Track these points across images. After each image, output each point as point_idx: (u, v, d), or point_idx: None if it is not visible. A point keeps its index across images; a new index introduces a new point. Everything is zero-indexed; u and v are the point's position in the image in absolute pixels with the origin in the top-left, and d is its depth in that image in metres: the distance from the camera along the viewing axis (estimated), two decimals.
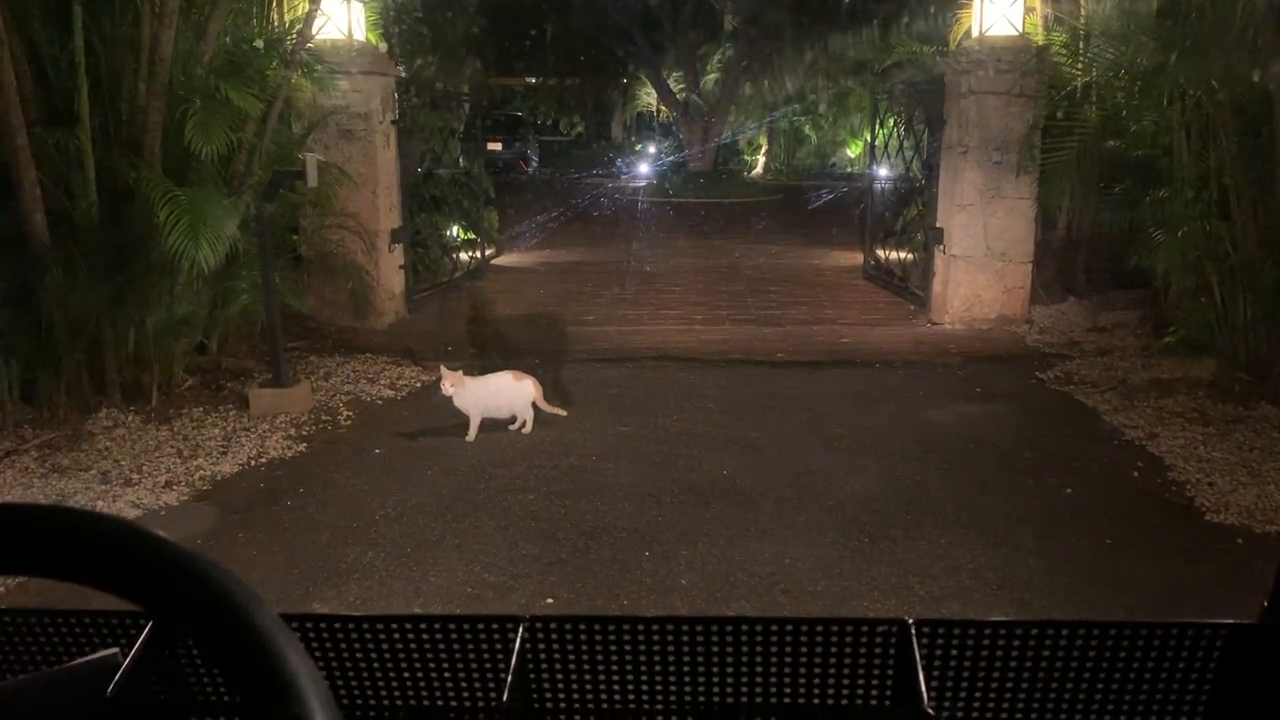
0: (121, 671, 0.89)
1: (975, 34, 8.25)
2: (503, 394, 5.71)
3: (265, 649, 0.51)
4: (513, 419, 5.76)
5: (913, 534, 4.41)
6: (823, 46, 19.81)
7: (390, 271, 8.56)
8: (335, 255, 7.67)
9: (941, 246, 8.53)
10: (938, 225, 8.60)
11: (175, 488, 4.96)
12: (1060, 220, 9.03)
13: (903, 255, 10.13)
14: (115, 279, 5.63)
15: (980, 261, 8.34)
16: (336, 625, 0.94)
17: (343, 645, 0.94)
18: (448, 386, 5.48)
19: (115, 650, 0.90)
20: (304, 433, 5.79)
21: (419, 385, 6.74)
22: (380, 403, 6.44)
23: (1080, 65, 7.89)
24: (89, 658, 0.80)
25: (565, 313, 9.16)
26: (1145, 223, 7.25)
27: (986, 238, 8.29)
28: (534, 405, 5.74)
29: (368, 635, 0.94)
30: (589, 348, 7.82)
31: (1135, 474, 5.16)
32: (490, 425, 5.70)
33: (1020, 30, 8.08)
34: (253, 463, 5.33)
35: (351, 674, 0.95)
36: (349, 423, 6.03)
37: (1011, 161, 8.05)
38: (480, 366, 6.01)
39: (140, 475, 5.07)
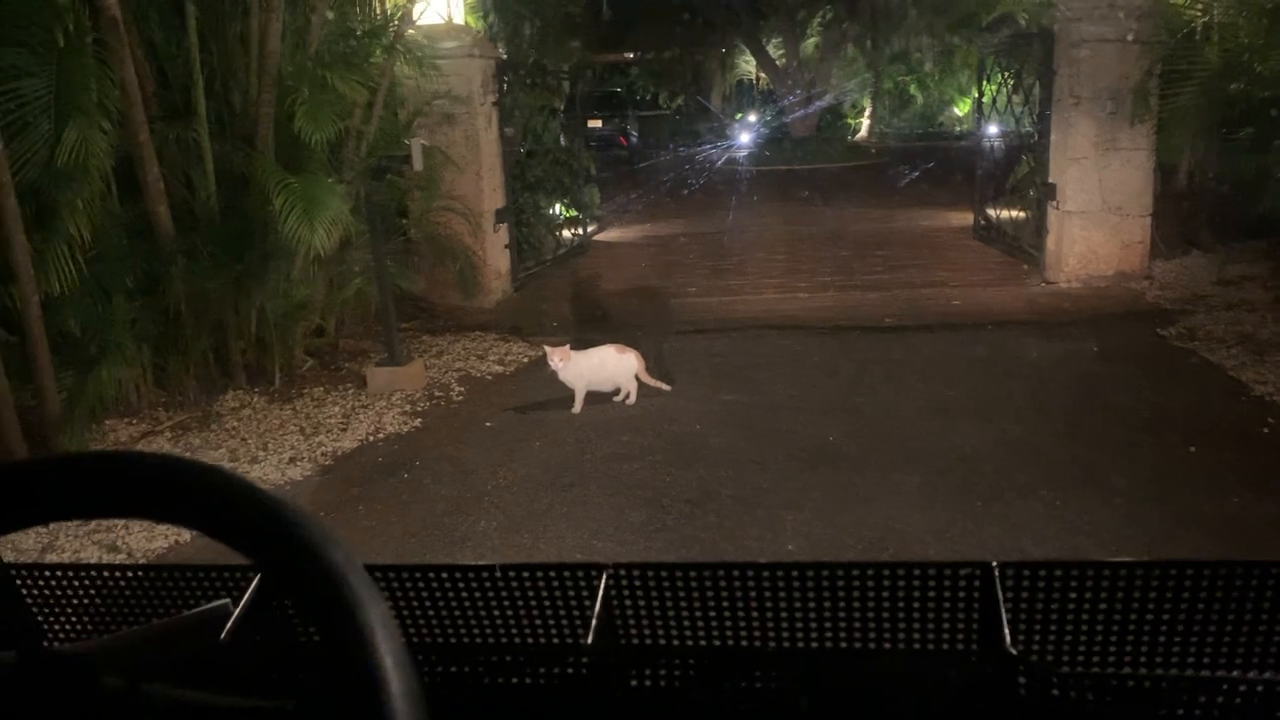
0: (233, 620, 0.96)
1: None
2: (606, 367, 5.78)
3: (341, 598, 0.55)
4: (616, 391, 5.83)
5: (1027, 496, 4.31)
6: (926, 2, 19.20)
7: (496, 251, 8.72)
8: (443, 237, 7.85)
9: (1054, 202, 8.25)
10: (1050, 180, 8.31)
11: (299, 463, 5.18)
12: (1180, 170, 8.63)
13: (1014, 213, 9.83)
14: (236, 266, 5.88)
15: (1096, 216, 8.04)
16: (432, 574, 0.99)
17: (437, 590, 0.99)
18: (556, 361, 5.58)
19: (226, 601, 0.97)
20: (419, 408, 5.97)
21: (526, 360, 6.87)
22: (490, 378, 6.59)
23: (1200, 5, 7.49)
24: (202, 608, 0.86)
25: (667, 285, 9.18)
26: (1274, 168, 6.86)
27: (1102, 191, 7.97)
28: (637, 378, 5.80)
29: (462, 581, 0.99)
30: (692, 318, 7.83)
31: (1265, 430, 4.93)
32: (595, 397, 5.78)
33: None
34: (371, 438, 5.52)
35: (448, 616, 1.00)
36: (461, 398, 6.19)
37: (1126, 111, 7.71)
38: (585, 341, 6.08)
39: (266, 452, 5.31)
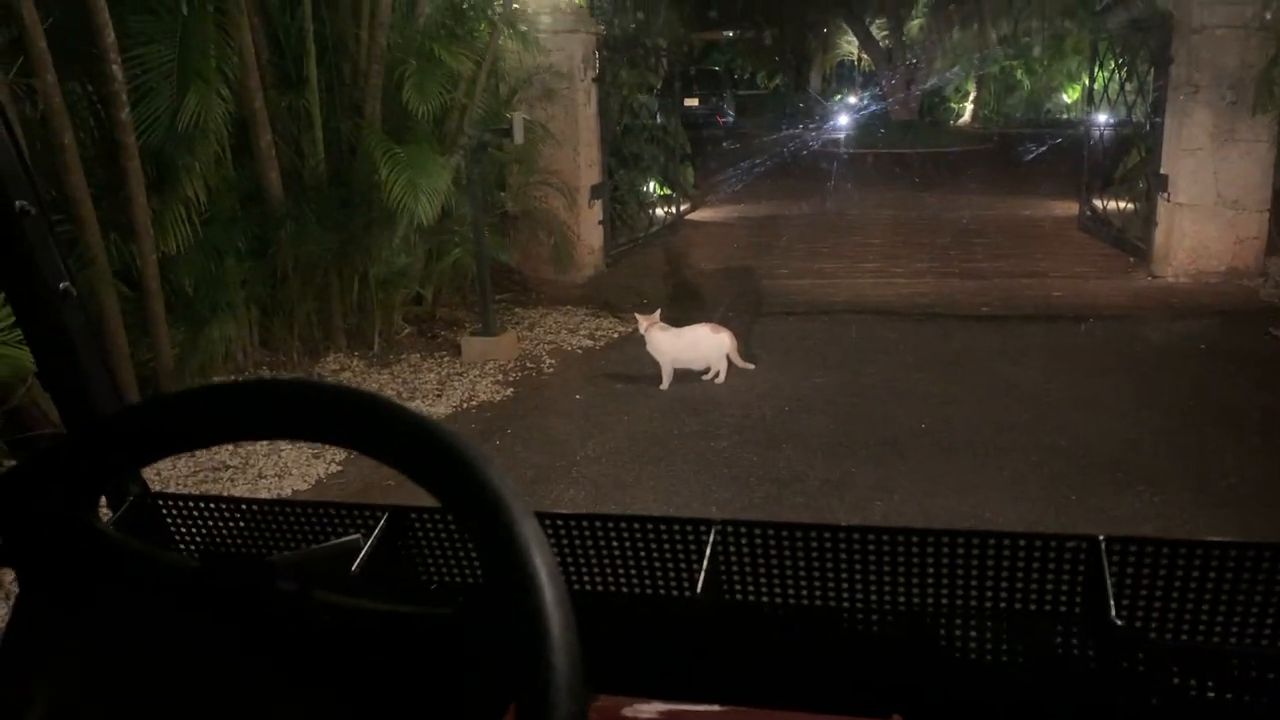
0: (363, 554, 1.02)
1: None
2: (699, 346, 5.80)
3: (502, 510, 0.59)
4: (706, 369, 5.85)
5: (1123, 492, 4.21)
6: None
7: (590, 226, 8.79)
8: (539, 211, 7.95)
9: (1165, 194, 7.98)
10: (1162, 171, 8.04)
11: None
12: None
13: (1122, 204, 9.54)
14: (341, 232, 6.05)
15: (1209, 210, 7.76)
16: (547, 520, 1.04)
17: (557, 536, 1.04)
18: (644, 325, 5.65)
19: (358, 536, 1.03)
20: (510, 378, 6.08)
21: (616, 336, 6.93)
22: (580, 352, 6.67)
23: None
24: (336, 541, 0.91)
25: (759, 266, 9.14)
26: None
27: (1217, 184, 7.69)
28: (728, 358, 5.81)
29: (580, 529, 1.03)
30: (783, 300, 7.79)
31: None
32: (683, 375, 5.81)
33: None
34: (464, 405, 5.65)
35: (569, 560, 1.04)
36: (551, 370, 6.28)
37: (1247, 101, 7.41)
38: (674, 319, 6.11)
39: None
